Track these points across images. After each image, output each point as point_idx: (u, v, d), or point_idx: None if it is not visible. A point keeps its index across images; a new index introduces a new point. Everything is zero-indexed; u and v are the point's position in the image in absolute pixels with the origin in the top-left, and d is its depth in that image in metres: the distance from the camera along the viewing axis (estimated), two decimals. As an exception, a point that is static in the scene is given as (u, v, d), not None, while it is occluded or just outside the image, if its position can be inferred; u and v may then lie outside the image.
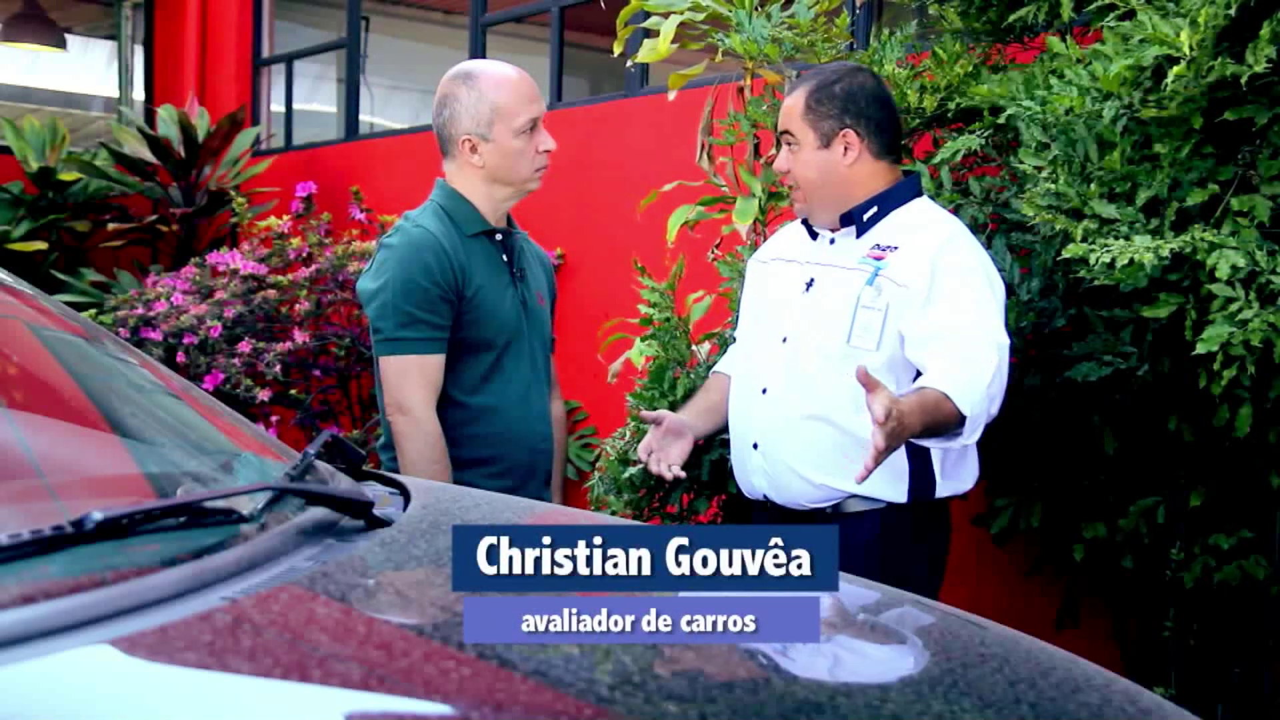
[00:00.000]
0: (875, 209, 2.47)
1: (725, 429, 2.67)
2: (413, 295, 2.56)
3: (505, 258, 2.71)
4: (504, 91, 2.64)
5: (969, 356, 2.29)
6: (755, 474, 2.51)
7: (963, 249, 2.42)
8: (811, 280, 2.50)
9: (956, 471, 2.47)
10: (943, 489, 2.44)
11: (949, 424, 2.24)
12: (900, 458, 2.39)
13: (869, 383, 2.08)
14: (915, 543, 2.46)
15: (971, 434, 2.29)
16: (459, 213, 2.66)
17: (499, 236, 2.71)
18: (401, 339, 2.57)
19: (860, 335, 2.38)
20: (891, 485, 2.40)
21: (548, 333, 2.82)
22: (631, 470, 2.84)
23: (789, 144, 2.50)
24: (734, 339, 2.77)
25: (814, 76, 2.52)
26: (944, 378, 2.25)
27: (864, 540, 2.38)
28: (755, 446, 2.50)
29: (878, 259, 2.42)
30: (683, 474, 2.51)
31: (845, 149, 2.46)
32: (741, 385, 2.58)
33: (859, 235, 2.47)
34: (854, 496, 2.41)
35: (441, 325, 2.59)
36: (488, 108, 2.64)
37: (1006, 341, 2.37)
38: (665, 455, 2.50)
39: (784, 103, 2.53)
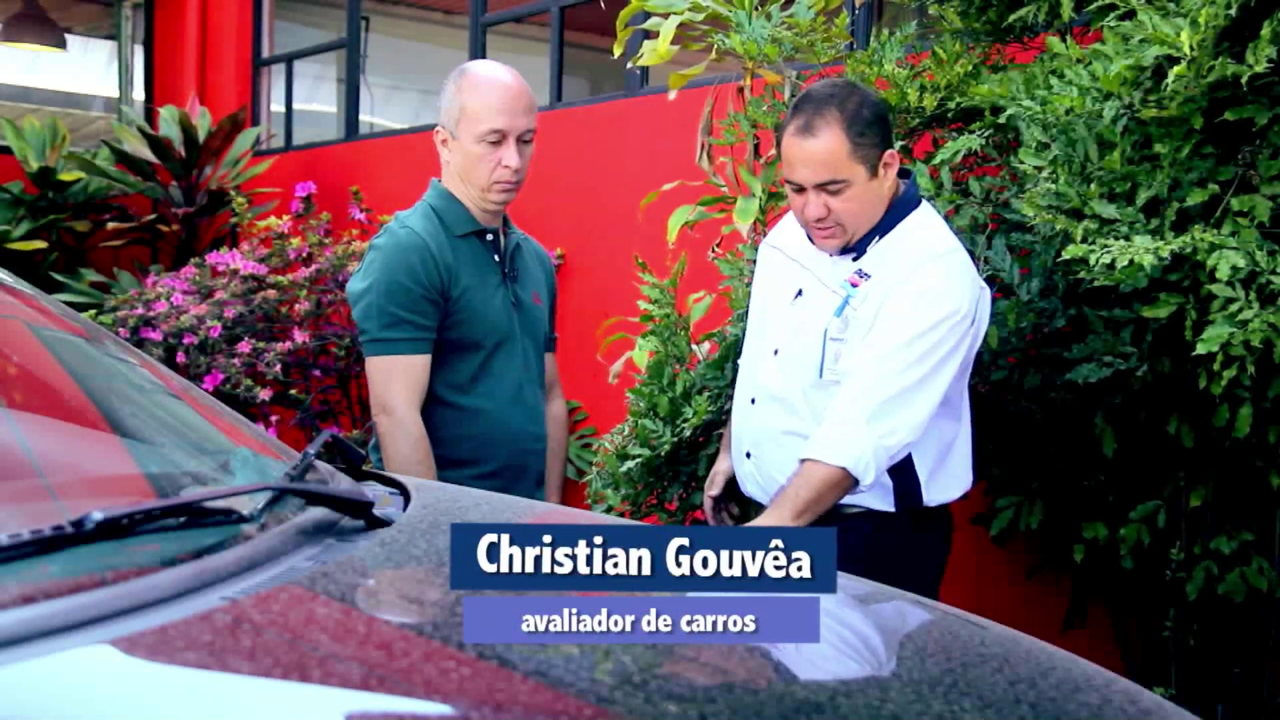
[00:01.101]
0: (877, 237, 2.39)
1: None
2: (396, 296, 2.56)
3: (496, 257, 2.71)
4: (477, 95, 2.62)
5: (847, 401, 2.28)
6: (748, 480, 2.53)
7: (921, 277, 2.33)
8: (800, 291, 2.47)
9: (944, 479, 2.45)
10: (930, 498, 2.43)
11: (839, 483, 2.26)
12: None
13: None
14: (912, 542, 2.45)
15: (868, 475, 2.26)
16: (449, 213, 2.66)
17: (490, 236, 2.70)
18: (385, 339, 2.57)
19: (831, 369, 2.37)
20: (878, 498, 2.40)
21: (544, 332, 2.82)
22: (629, 464, 2.85)
23: (832, 191, 2.32)
24: (738, 334, 2.77)
25: (829, 114, 2.31)
26: (809, 446, 2.29)
27: (860, 541, 2.38)
28: (748, 455, 2.52)
29: (853, 285, 2.38)
30: (736, 510, 2.65)
31: (886, 169, 2.36)
32: (739, 391, 2.59)
33: (856, 258, 2.41)
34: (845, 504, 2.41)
35: (426, 326, 2.58)
36: (458, 106, 2.63)
37: (927, 366, 2.30)
38: (724, 502, 2.64)
39: (811, 155, 2.31)
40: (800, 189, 2.35)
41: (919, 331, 2.29)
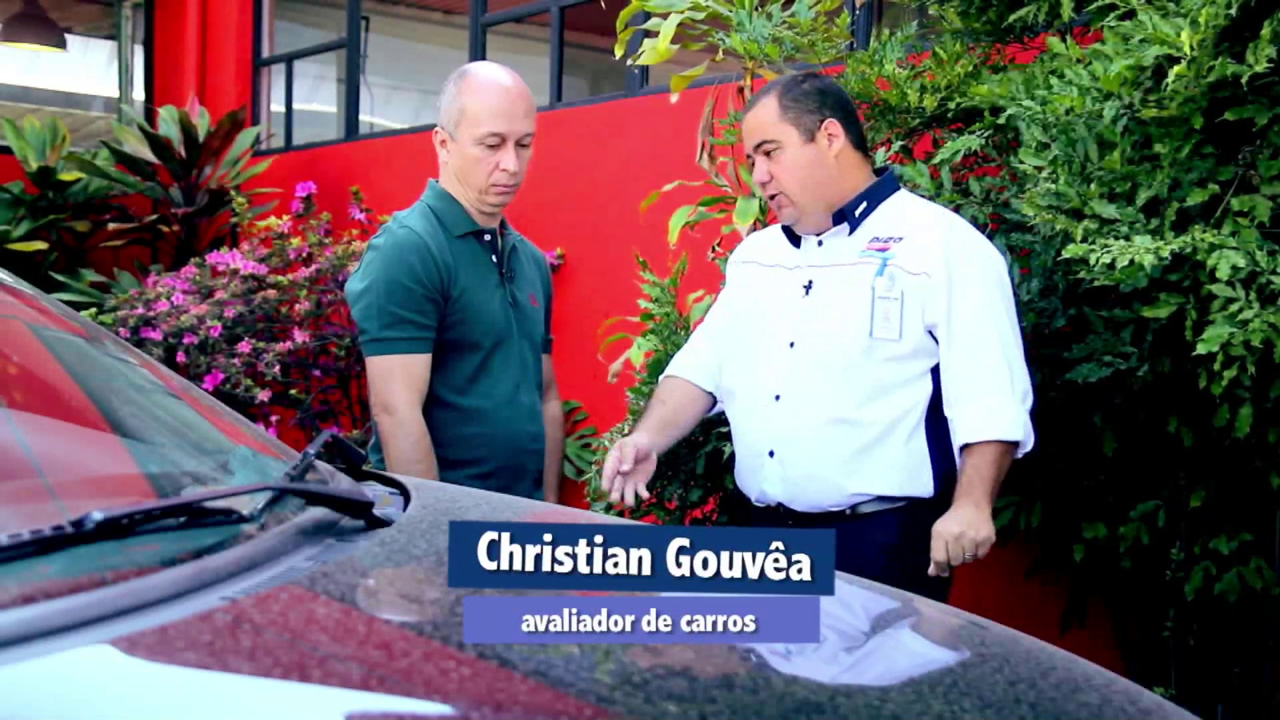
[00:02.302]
0: (865, 204, 2.48)
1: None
2: (396, 295, 2.56)
3: (494, 258, 2.71)
4: (477, 97, 2.62)
5: (984, 379, 2.37)
6: (769, 482, 2.47)
7: (965, 233, 2.46)
8: (810, 283, 2.48)
9: None
10: None
11: (1009, 453, 2.38)
12: (920, 450, 2.40)
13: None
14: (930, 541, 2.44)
15: (1030, 439, 2.41)
16: (448, 214, 2.66)
17: (488, 237, 2.70)
18: (386, 339, 2.57)
19: (882, 326, 2.39)
20: (915, 479, 2.41)
21: (540, 333, 2.82)
22: None
23: (767, 153, 2.47)
24: (708, 336, 2.72)
25: (772, 86, 2.51)
26: (984, 426, 2.36)
27: (883, 541, 2.38)
28: (771, 454, 2.47)
29: (882, 250, 2.42)
30: (646, 494, 2.48)
31: (830, 139, 2.46)
32: (749, 393, 2.53)
33: (851, 232, 2.47)
34: (877, 498, 2.41)
35: (426, 325, 2.58)
36: (457, 108, 2.63)
37: (1016, 327, 2.45)
38: (633, 476, 2.45)
39: (747, 120, 2.51)
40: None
41: (1004, 294, 2.43)
